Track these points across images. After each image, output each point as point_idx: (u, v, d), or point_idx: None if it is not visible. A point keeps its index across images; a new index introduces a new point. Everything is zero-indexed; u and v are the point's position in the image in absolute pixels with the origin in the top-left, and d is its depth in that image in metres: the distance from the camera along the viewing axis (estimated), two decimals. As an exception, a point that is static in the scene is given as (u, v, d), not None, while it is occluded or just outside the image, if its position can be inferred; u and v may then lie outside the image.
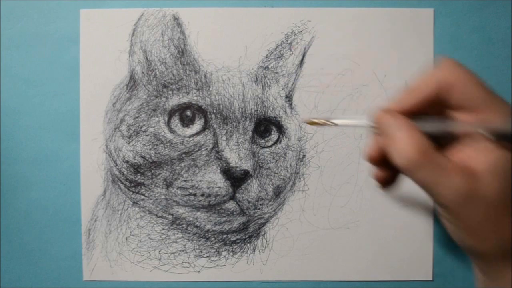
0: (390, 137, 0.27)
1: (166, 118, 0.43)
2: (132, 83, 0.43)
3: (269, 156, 0.43)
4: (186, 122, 0.43)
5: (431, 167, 0.25)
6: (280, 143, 0.43)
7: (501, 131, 0.25)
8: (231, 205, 0.42)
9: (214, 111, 0.42)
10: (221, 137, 0.42)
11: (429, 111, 0.27)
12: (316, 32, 0.43)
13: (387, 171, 0.29)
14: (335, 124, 0.32)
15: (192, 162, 0.42)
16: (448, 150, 0.27)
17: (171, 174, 0.42)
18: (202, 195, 0.42)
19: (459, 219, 0.26)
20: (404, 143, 0.26)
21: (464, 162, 0.25)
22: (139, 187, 0.43)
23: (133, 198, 0.43)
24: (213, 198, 0.42)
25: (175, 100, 0.43)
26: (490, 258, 0.26)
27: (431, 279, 0.43)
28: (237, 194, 0.42)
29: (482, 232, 0.25)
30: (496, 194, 0.24)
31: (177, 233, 0.43)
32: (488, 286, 0.28)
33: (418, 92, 0.27)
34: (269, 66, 0.43)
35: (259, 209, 0.43)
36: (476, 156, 0.25)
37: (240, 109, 0.42)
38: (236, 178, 0.42)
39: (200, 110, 0.43)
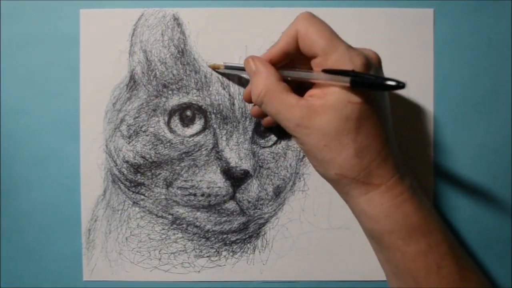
0: (250, 78, 0.33)
1: (166, 118, 0.43)
2: (132, 83, 0.43)
3: (269, 156, 0.43)
4: (186, 122, 0.43)
5: (274, 101, 0.31)
6: (280, 143, 0.43)
7: (336, 70, 0.29)
8: (231, 205, 0.42)
9: (214, 111, 0.42)
10: (221, 137, 0.42)
11: (297, 61, 0.34)
12: (316, 32, 0.43)
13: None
14: (227, 67, 0.38)
15: (192, 162, 0.42)
16: (307, 90, 0.32)
17: (171, 174, 0.42)
18: (202, 195, 0.42)
19: (303, 144, 0.31)
20: (256, 82, 0.32)
21: (310, 99, 0.30)
22: (139, 187, 0.43)
23: (133, 198, 0.43)
24: (213, 198, 0.42)
25: (175, 100, 0.43)
26: (335, 185, 0.32)
27: (431, 279, 0.43)
28: (237, 194, 0.42)
29: (323, 159, 0.30)
30: (328, 124, 0.29)
31: (177, 233, 0.43)
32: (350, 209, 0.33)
33: (277, 45, 0.33)
34: (269, 66, 0.43)
35: (259, 209, 0.43)
36: (318, 94, 0.30)
37: (240, 109, 0.42)
38: (236, 178, 0.42)
39: (200, 110, 0.43)
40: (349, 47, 0.30)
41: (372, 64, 0.30)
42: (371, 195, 0.30)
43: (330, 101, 0.29)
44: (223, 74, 0.42)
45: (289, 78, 0.33)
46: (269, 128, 0.43)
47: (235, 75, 0.42)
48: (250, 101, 0.37)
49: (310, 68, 0.33)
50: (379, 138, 0.30)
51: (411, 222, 0.30)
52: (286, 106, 0.30)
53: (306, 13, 0.32)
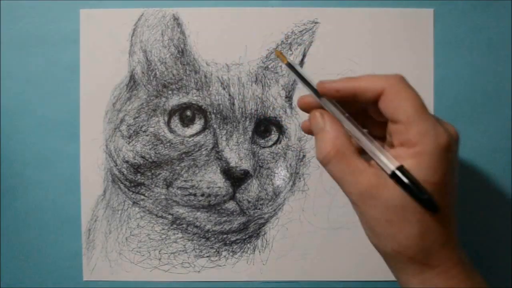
0: (316, 133, 0.30)
1: (166, 118, 0.43)
2: (132, 83, 0.43)
3: (269, 156, 0.43)
4: (186, 122, 0.43)
5: (342, 164, 0.28)
6: (280, 143, 0.43)
7: (380, 164, 0.27)
8: (231, 205, 0.42)
9: (214, 111, 0.42)
10: (221, 137, 0.42)
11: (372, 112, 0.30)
12: (316, 32, 0.43)
13: None
14: (289, 68, 0.33)
15: (192, 162, 0.42)
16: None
17: (171, 174, 0.42)
18: (202, 195, 0.42)
19: (362, 214, 0.29)
20: (324, 140, 0.29)
21: (379, 167, 0.28)
22: (139, 187, 0.43)
23: (133, 198, 0.43)
24: (213, 198, 0.42)
25: (175, 100, 0.43)
26: (388, 259, 0.30)
27: (431, 279, 0.43)
28: (237, 194, 0.42)
29: (382, 233, 0.28)
30: (396, 199, 0.27)
31: (177, 233, 0.43)
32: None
33: (355, 81, 0.29)
34: (269, 66, 0.43)
35: (259, 209, 0.43)
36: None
37: (240, 109, 0.42)
38: (236, 178, 0.42)
39: (200, 110, 0.43)
40: (438, 121, 0.28)
41: (453, 141, 0.28)
42: (427, 276, 0.28)
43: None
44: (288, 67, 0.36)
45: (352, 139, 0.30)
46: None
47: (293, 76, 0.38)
48: (306, 132, 0.34)
49: (380, 129, 0.30)
50: (445, 218, 0.28)
51: None
52: (353, 171, 0.28)
53: (400, 76, 0.29)
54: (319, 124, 0.30)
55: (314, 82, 0.31)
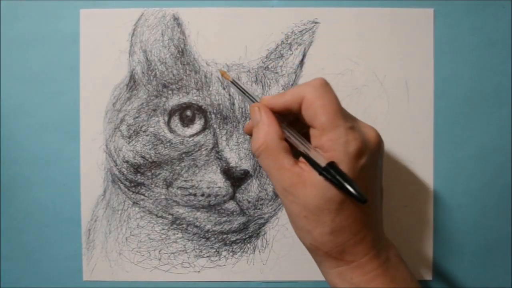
0: (254, 126, 0.33)
1: (166, 118, 0.43)
2: (132, 83, 0.43)
3: (269, 156, 0.43)
4: (186, 122, 0.43)
5: (270, 159, 0.31)
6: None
7: (309, 159, 0.30)
8: (231, 205, 0.42)
9: (214, 111, 0.42)
10: (221, 137, 0.42)
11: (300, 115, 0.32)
12: (316, 32, 0.43)
13: None
14: (233, 84, 0.36)
15: (192, 162, 0.42)
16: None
17: (171, 174, 0.42)
18: (202, 195, 0.42)
19: (285, 208, 0.31)
20: (258, 134, 0.32)
21: (303, 167, 0.30)
22: (139, 187, 0.43)
23: (133, 198, 0.43)
24: (213, 198, 0.42)
25: (175, 100, 0.43)
26: (310, 252, 0.32)
27: (431, 279, 0.43)
28: (237, 194, 0.42)
29: (301, 228, 0.31)
30: (311, 199, 0.29)
31: (177, 233, 0.43)
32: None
33: (282, 98, 0.32)
34: (269, 66, 0.43)
35: (259, 209, 0.43)
36: (310, 168, 0.30)
37: (240, 109, 0.42)
38: (236, 178, 0.42)
39: (200, 110, 0.43)
40: (351, 128, 0.30)
41: (368, 149, 0.30)
42: (342, 270, 0.31)
43: (318, 178, 0.29)
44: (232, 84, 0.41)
45: (286, 138, 0.33)
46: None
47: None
48: (248, 134, 0.37)
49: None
50: (359, 220, 0.30)
51: None
52: (278, 167, 0.30)
53: (319, 81, 0.31)
54: (256, 117, 0.32)
55: (256, 95, 0.35)
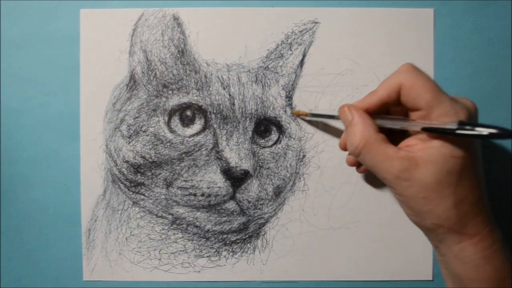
0: (346, 127, 0.33)
1: (166, 118, 0.43)
2: (132, 83, 0.43)
3: (269, 156, 0.43)
4: (186, 122, 0.43)
5: (373, 153, 0.31)
6: (280, 143, 0.43)
7: (438, 128, 0.29)
8: (231, 205, 0.42)
9: (214, 111, 0.42)
10: (221, 137, 0.42)
11: (393, 109, 0.33)
12: (316, 32, 0.43)
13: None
14: (313, 115, 0.38)
15: (192, 162, 0.42)
16: (402, 140, 0.32)
17: (171, 174, 0.42)
18: (202, 195, 0.42)
19: (400, 195, 0.31)
20: (353, 133, 0.32)
21: (409, 150, 0.30)
22: (139, 187, 0.43)
23: (133, 198, 0.43)
24: (213, 198, 0.42)
25: (175, 100, 0.43)
26: (428, 233, 0.32)
27: (431, 279, 0.43)
28: (237, 194, 0.42)
29: (420, 210, 0.30)
30: (429, 177, 0.29)
31: (177, 233, 0.43)
32: (438, 258, 0.33)
33: (375, 94, 0.32)
34: (269, 66, 0.43)
35: (259, 209, 0.43)
36: (418, 146, 0.30)
37: (240, 109, 0.42)
38: (236, 178, 0.42)
39: (200, 110, 0.43)
40: (453, 99, 0.30)
41: (473, 116, 0.31)
42: (465, 245, 0.31)
43: (432, 154, 0.29)
44: (308, 121, 0.41)
45: (386, 127, 0.33)
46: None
47: (320, 122, 0.40)
48: (345, 150, 0.37)
49: (404, 115, 0.33)
50: (477, 189, 0.30)
51: (500, 275, 0.30)
52: (385, 158, 0.31)
53: (408, 65, 0.32)
54: (347, 117, 0.33)
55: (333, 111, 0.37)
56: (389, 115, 0.33)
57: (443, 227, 0.30)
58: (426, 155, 0.29)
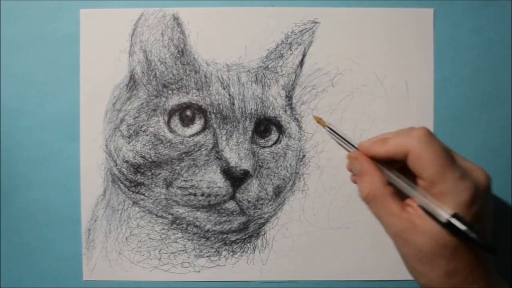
0: (357, 175, 0.34)
1: (166, 118, 0.43)
2: (132, 83, 0.43)
3: (269, 156, 0.43)
4: (186, 122, 0.43)
5: (379, 206, 0.32)
6: (280, 143, 0.43)
7: (431, 213, 0.30)
8: (231, 205, 0.42)
9: (214, 111, 0.42)
10: (221, 137, 0.42)
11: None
12: (316, 32, 0.43)
13: None
14: (330, 130, 0.39)
15: (192, 162, 0.42)
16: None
17: (171, 174, 0.42)
18: (202, 195, 0.42)
19: (398, 250, 0.32)
20: (362, 183, 0.33)
21: (411, 213, 0.31)
22: (139, 187, 0.43)
23: (133, 198, 0.43)
24: (213, 198, 0.42)
25: (175, 100, 0.43)
26: None
27: (431, 279, 0.43)
28: (237, 194, 0.42)
29: (415, 269, 0.31)
30: (424, 246, 0.29)
31: (177, 233, 0.43)
32: None
33: (384, 146, 0.32)
34: (269, 66, 0.43)
35: (259, 209, 0.43)
36: (420, 211, 0.30)
37: (240, 109, 0.42)
38: (236, 178, 0.42)
39: (200, 110, 0.43)
40: (461, 177, 0.30)
41: (479, 195, 0.30)
42: None
43: (429, 227, 0.30)
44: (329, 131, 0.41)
45: (391, 182, 0.33)
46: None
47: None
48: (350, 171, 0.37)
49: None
50: (472, 263, 0.30)
51: None
52: (388, 214, 0.31)
53: (423, 131, 0.31)
54: (356, 167, 0.34)
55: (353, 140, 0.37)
56: (395, 172, 0.33)
57: None
58: (424, 223, 0.30)
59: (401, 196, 0.32)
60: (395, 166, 0.33)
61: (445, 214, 0.29)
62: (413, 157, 0.30)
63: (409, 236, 0.30)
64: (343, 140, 0.37)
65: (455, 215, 0.28)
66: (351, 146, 0.36)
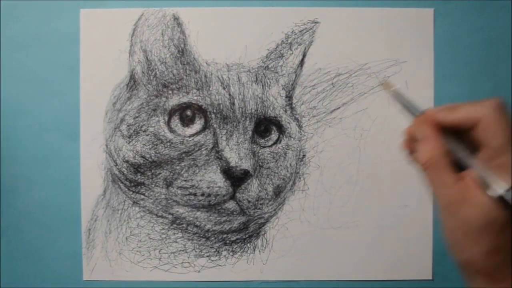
0: (419, 140, 0.33)
1: (166, 118, 0.43)
2: (132, 82, 0.43)
3: (269, 155, 0.43)
4: (186, 121, 0.43)
5: (434, 175, 0.31)
6: (280, 142, 0.43)
7: (485, 185, 0.29)
8: (231, 205, 0.42)
9: (214, 110, 0.42)
10: (221, 137, 0.42)
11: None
12: (316, 31, 0.43)
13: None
14: (397, 95, 0.37)
15: (192, 162, 0.42)
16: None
17: (171, 173, 0.42)
18: (202, 194, 0.42)
19: (444, 222, 0.31)
20: (422, 150, 0.32)
21: (468, 182, 0.30)
22: (139, 187, 0.43)
23: (133, 197, 0.43)
24: (213, 198, 0.42)
25: (175, 100, 0.43)
26: (460, 266, 0.32)
27: (431, 278, 0.43)
28: (237, 194, 0.42)
29: (457, 243, 0.31)
30: (472, 219, 0.29)
31: (177, 233, 0.43)
32: None
33: (452, 114, 0.32)
34: (269, 66, 0.43)
35: (259, 208, 0.43)
36: (475, 186, 0.30)
37: (240, 109, 0.42)
38: (236, 178, 0.42)
39: (200, 110, 0.43)
40: None
41: None
42: None
43: (482, 200, 0.29)
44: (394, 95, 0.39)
45: (451, 151, 0.33)
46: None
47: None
48: (405, 148, 0.37)
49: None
50: None
51: None
52: (442, 184, 0.31)
53: (496, 102, 0.31)
54: (421, 131, 0.33)
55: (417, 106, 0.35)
56: (457, 141, 0.32)
57: (474, 267, 0.31)
58: (477, 196, 0.30)
59: (460, 167, 0.32)
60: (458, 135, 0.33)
61: (500, 187, 0.28)
62: (484, 126, 0.30)
63: (459, 207, 0.30)
64: (411, 106, 0.36)
65: (510, 190, 0.28)
66: (417, 111, 0.35)
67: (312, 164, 0.43)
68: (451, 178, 0.31)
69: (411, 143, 0.35)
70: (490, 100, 0.31)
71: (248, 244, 0.44)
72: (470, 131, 0.32)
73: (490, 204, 0.29)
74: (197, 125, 0.43)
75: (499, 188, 0.28)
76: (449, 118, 0.32)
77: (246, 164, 0.42)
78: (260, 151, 0.43)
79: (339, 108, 0.43)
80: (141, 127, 0.43)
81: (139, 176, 0.43)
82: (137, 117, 0.43)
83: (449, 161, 0.32)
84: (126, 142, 0.43)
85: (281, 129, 0.43)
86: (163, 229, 0.43)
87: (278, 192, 0.43)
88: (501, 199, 0.28)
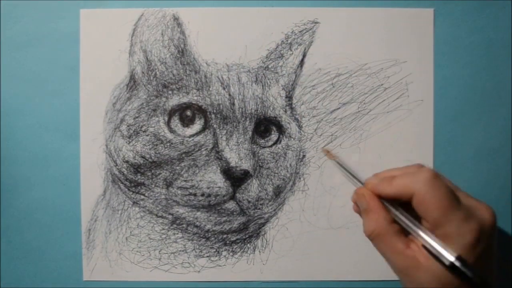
0: (361, 211, 0.34)
1: (166, 118, 0.43)
2: (132, 83, 0.43)
3: (269, 156, 0.43)
4: (186, 122, 0.43)
5: (383, 244, 0.32)
6: (280, 143, 0.43)
7: (434, 255, 0.30)
8: (231, 205, 0.42)
9: (214, 111, 0.42)
10: (221, 137, 0.42)
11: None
12: (316, 32, 0.43)
13: None
14: (338, 164, 0.39)
15: (192, 162, 0.42)
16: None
17: (171, 174, 0.42)
18: (202, 195, 0.42)
19: (403, 284, 0.32)
20: (367, 220, 0.33)
21: (415, 250, 0.31)
22: (139, 187, 0.43)
23: (133, 198, 0.43)
24: (213, 198, 0.42)
25: (175, 100, 0.43)
26: None
27: (431, 279, 0.43)
28: (237, 194, 0.42)
29: None
30: (426, 284, 0.30)
31: (177, 233, 0.43)
32: None
33: (390, 186, 0.33)
34: (269, 66, 0.43)
35: (259, 209, 0.43)
36: (425, 252, 0.31)
37: (240, 109, 0.42)
38: (236, 178, 0.42)
39: (200, 110, 0.43)
40: (465, 218, 0.30)
41: (484, 235, 0.30)
42: None
43: (433, 266, 0.30)
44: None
45: (395, 219, 0.33)
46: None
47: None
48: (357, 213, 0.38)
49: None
50: None
51: None
52: (392, 251, 0.32)
53: (428, 175, 0.31)
54: (362, 204, 0.34)
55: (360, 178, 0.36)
56: (401, 210, 0.33)
57: None
58: (428, 262, 0.30)
59: (406, 231, 0.32)
60: (401, 202, 0.33)
61: (448, 257, 0.29)
62: (418, 200, 0.31)
63: (413, 273, 0.30)
64: (350, 175, 0.37)
65: (458, 258, 0.29)
66: (357, 181, 0.36)
67: (312, 164, 0.43)
68: (401, 245, 0.31)
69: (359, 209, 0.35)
70: (422, 173, 0.31)
71: (248, 245, 0.44)
72: (410, 202, 0.32)
73: (443, 270, 0.29)
74: (197, 125, 0.43)
75: (448, 256, 0.29)
76: (387, 191, 0.33)
77: (246, 165, 0.42)
78: (260, 151, 0.43)
79: (339, 108, 0.43)
80: (141, 127, 0.43)
81: (139, 177, 0.43)
82: (137, 117, 0.43)
83: (396, 229, 0.32)
84: (126, 142, 0.43)
85: (281, 129, 0.43)
86: (163, 229, 0.43)
87: (278, 192, 0.43)
88: (451, 266, 0.29)
